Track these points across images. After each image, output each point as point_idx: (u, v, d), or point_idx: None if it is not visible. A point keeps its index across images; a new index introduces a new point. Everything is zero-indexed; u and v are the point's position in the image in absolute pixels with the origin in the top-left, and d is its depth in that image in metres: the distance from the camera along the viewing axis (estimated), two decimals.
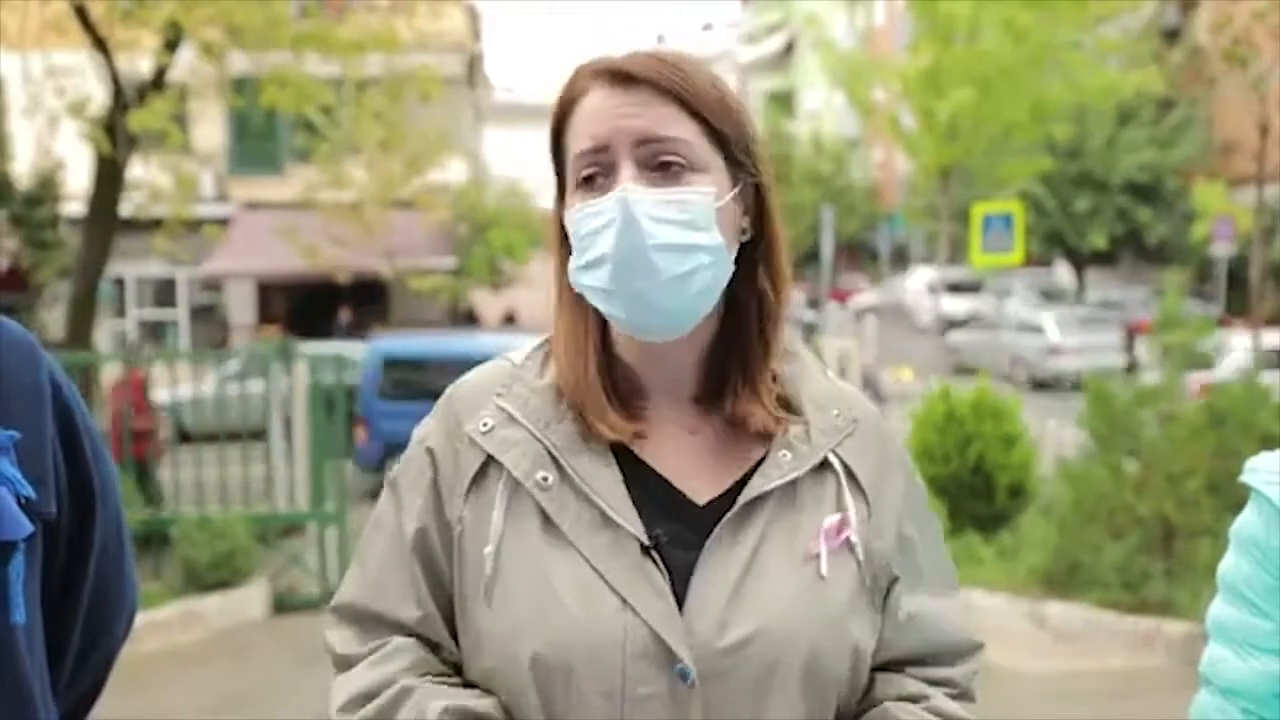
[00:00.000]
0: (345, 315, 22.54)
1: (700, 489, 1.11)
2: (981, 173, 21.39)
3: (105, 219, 9.96)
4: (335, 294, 20.70)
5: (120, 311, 22.89)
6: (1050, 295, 26.65)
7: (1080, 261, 27.01)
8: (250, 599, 7.29)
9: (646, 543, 1.06)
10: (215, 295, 24.09)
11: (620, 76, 1.10)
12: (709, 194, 1.09)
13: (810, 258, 36.04)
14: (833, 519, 1.10)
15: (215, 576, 7.16)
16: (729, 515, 1.08)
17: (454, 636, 1.12)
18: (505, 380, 1.15)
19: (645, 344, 1.13)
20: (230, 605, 7.13)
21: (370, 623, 1.14)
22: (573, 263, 1.11)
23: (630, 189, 1.06)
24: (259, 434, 8.38)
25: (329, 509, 7.81)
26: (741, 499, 1.09)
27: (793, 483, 1.10)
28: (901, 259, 35.80)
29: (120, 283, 22.18)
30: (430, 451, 1.14)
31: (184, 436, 9.07)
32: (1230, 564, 1.11)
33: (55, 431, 1.08)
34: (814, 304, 30.19)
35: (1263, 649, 1.04)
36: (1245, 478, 1.09)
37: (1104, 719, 5.18)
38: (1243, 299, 19.22)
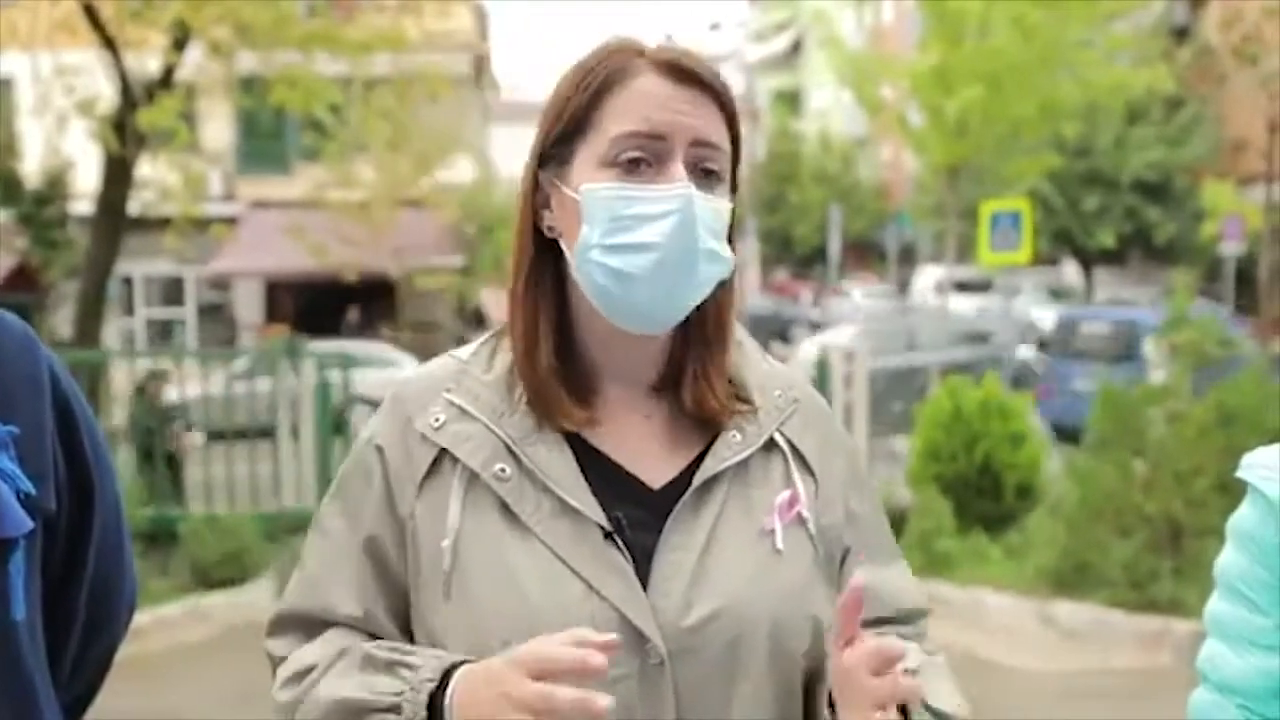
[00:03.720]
0: (353, 314, 22.58)
1: (654, 473, 1.12)
2: (990, 171, 21.31)
3: (114, 218, 10.00)
4: (343, 293, 20.73)
5: (129, 310, 22.96)
6: (1058, 294, 26.57)
7: (1089, 260, 26.91)
8: (258, 596, 7.30)
9: (608, 527, 1.07)
10: (223, 294, 24.15)
11: (677, 70, 1.09)
12: (729, 206, 1.12)
13: (817, 256, 36.02)
14: (784, 495, 1.12)
15: (223, 574, 7.18)
16: (686, 496, 1.10)
17: (409, 636, 1.12)
18: (454, 375, 1.15)
19: (617, 333, 1.12)
20: (238, 602, 7.15)
21: (311, 625, 1.14)
22: (592, 237, 1.08)
23: (694, 190, 1.07)
24: (267, 432, 8.41)
25: None
26: (697, 479, 1.11)
27: (744, 462, 1.13)
28: (909, 258, 35.71)
29: (129, 281, 22.24)
30: (380, 450, 1.13)
31: None
32: (1228, 560, 1.10)
33: (54, 424, 1.09)
34: (817, 302, 30.18)
35: (1259, 645, 1.04)
36: (1242, 473, 1.09)
37: (1111, 719, 5.17)
38: (1252, 298, 19.15)
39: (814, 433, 1.19)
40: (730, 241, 1.14)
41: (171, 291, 23.73)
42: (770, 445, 1.15)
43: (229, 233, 12.67)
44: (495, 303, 28.47)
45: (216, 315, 23.92)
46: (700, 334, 1.15)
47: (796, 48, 47.60)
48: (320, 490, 7.89)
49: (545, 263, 1.14)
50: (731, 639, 1.07)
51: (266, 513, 7.82)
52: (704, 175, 1.10)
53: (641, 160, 1.08)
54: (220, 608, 7.04)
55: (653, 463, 1.13)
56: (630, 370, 1.15)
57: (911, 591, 1.22)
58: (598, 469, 1.11)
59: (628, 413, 1.15)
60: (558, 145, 1.12)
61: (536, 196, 1.14)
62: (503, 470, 1.09)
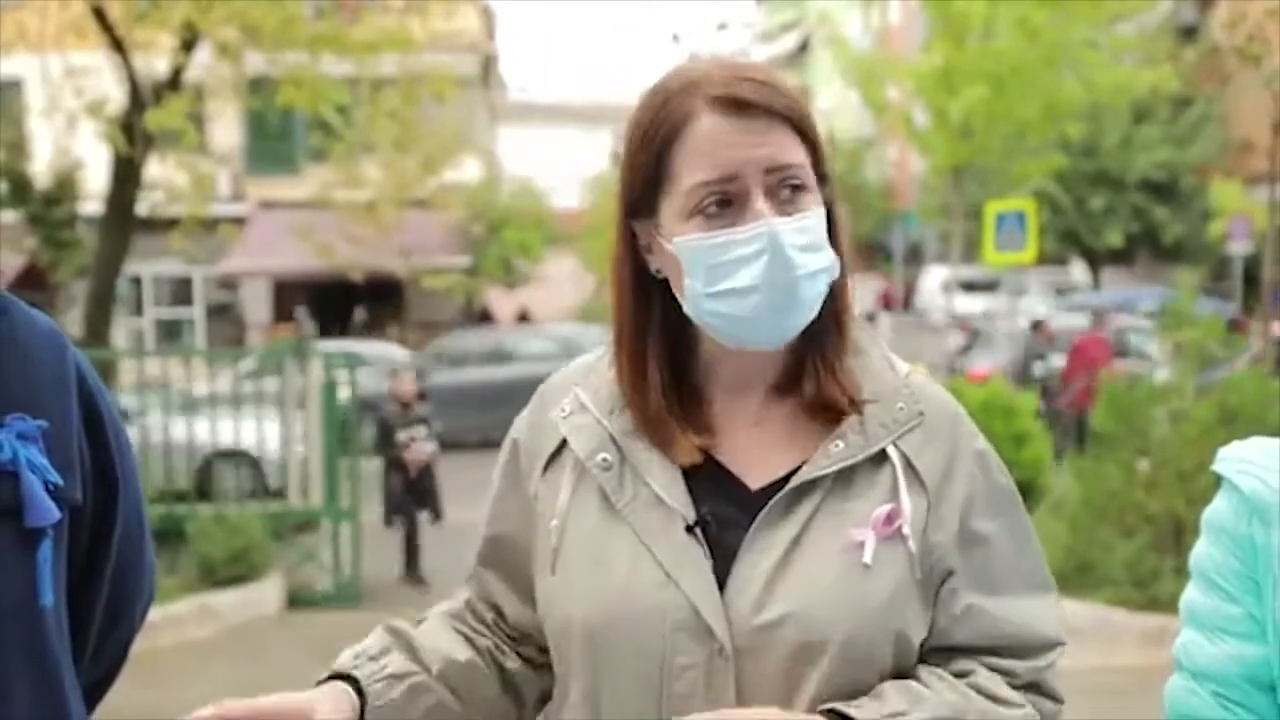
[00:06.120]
0: (360, 314, 22.65)
1: (755, 475, 1.16)
2: (995, 171, 21.31)
3: (123, 218, 10.05)
4: (350, 293, 20.78)
5: (137, 310, 23.04)
6: (1065, 293, 26.55)
7: (1096, 260, 26.88)
8: (265, 594, 7.35)
9: (689, 521, 1.12)
10: (231, 294, 24.22)
11: (735, 104, 1.11)
12: (822, 214, 1.14)
13: None
14: (883, 509, 1.12)
15: (230, 572, 7.23)
16: (775, 499, 1.13)
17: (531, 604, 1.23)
18: (585, 372, 1.24)
19: (732, 350, 1.17)
20: (245, 600, 7.19)
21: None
22: (697, 288, 1.12)
23: (775, 221, 1.09)
24: None
25: (342, 505, 7.87)
26: (790, 484, 1.13)
27: (848, 472, 1.13)
28: (915, 257, 35.70)
29: (137, 281, 22.31)
30: (515, 442, 1.26)
31: None
32: (1202, 551, 1.14)
33: (80, 420, 1.13)
34: None
35: (1232, 633, 1.08)
36: (1216, 466, 1.12)
37: (1113, 717, 5.19)
38: (1259, 297, 19.10)
39: (938, 449, 1.16)
40: (835, 237, 1.16)
41: (180, 291, 23.81)
42: (881, 458, 1.14)
43: (237, 233, 12.73)
44: (501, 302, 28.48)
45: (224, 315, 24.00)
46: (818, 326, 1.16)
47: (803, 48, 47.55)
48: (327, 489, 7.94)
49: (652, 301, 1.19)
50: (799, 644, 1.08)
51: (273, 511, 7.87)
52: (792, 191, 1.12)
53: (722, 203, 1.11)
54: (228, 606, 7.09)
55: (757, 465, 1.16)
56: (745, 378, 1.19)
57: (1033, 624, 1.19)
58: (700, 466, 1.16)
59: (738, 419, 1.18)
60: (642, 199, 1.16)
61: (637, 243, 1.19)
62: (605, 460, 1.17)
